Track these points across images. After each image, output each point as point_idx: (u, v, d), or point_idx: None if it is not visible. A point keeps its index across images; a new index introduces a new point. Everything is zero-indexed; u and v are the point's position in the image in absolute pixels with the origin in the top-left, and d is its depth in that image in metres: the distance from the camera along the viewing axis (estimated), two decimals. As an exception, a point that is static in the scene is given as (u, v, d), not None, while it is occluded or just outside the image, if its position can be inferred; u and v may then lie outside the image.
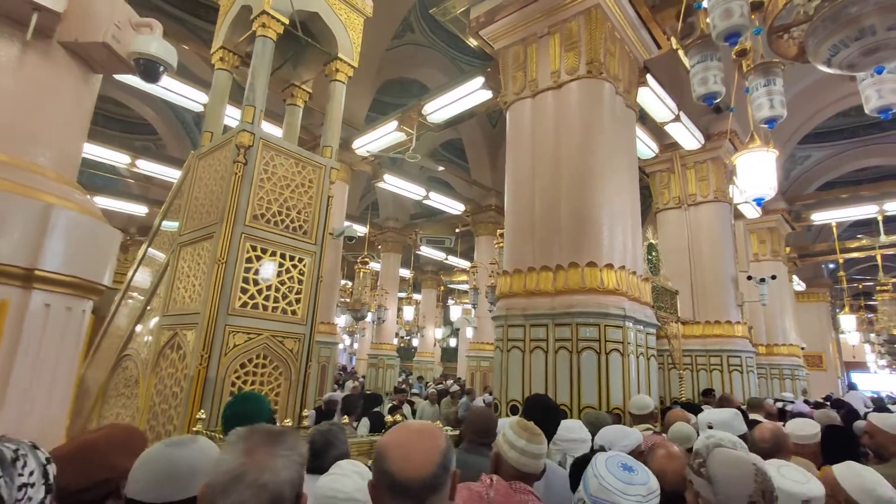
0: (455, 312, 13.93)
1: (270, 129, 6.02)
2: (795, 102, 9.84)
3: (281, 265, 3.69)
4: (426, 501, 0.97)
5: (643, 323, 4.29)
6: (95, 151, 8.73)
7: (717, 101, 2.63)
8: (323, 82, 4.62)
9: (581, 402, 3.86)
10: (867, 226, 13.72)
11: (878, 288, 12.53)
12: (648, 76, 5.85)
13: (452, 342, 18.40)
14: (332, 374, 7.74)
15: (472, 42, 5.92)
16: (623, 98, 5.03)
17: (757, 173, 3.53)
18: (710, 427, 2.57)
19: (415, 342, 16.98)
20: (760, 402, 5.47)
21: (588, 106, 4.63)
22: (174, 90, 6.52)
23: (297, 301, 3.76)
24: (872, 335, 13.44)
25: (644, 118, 7.70)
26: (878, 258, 12.66)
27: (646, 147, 7.84)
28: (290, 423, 3.02)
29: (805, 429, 2.75)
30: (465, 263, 13.93)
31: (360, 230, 11.92)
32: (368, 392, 6.51)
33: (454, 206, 11.23)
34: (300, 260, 3.80)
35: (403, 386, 10.85)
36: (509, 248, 4.82)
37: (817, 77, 9.51)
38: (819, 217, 11.40)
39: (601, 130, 4.58)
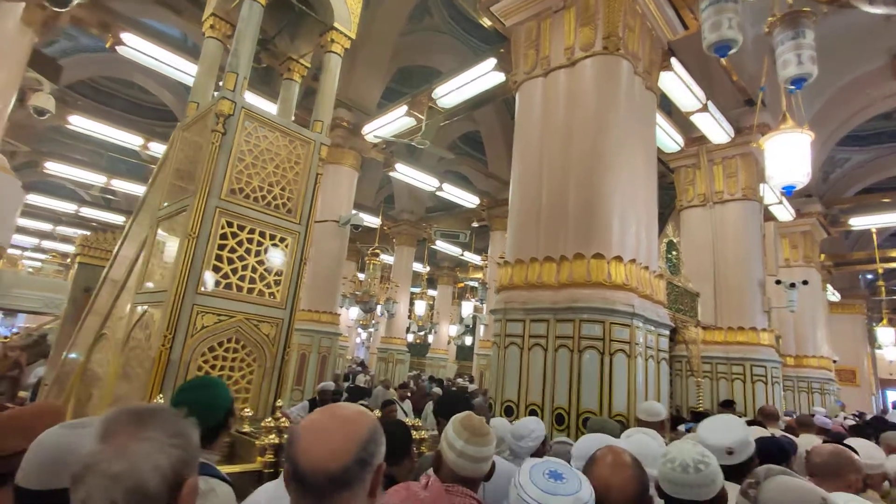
0: (467, 309, 13.60)
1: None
2: (835, 101, 9.22)
3: (260, 244, 3.44)
4: (330, 498, 0.85)
5: (654, 323, 3.90)
6: (108, 132, 8.72)
7: (733, 50, 2.24)
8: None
9: (580, 406, 3.50)
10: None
11: (920, 300, 11.69)
12: (673, 59, 5.43)
13: (468, 340, 18.07)
14: (333, 365, 7.52)
15: (486, 22, 5.59)
16: (643, 79, 4.63)
17: (788, 158, 3.11)
18: (730, 453, 2.04)
19: (430, 339, 16.74)
20: (809, 420, 4.94)
21: (603, 85, 4.25)
22: (178, 67, 6.37)
23: (277, 283, 3.51)
24: (914, 351, 12.57)
25: (670, 110, 7.26)
26: (922, 269, 11.83)
27: (670, 140, 7.39)
28: (248, 412, 2.75)
29: (872, 454, 2.31)
30: (480, 260, 13.59)
31: (374, 221, 11.71)
32: (353, 385, 6.22)
33: (469, 200, 10.90)
34: (282, 240, 3.55)
35: (409, 382, 10.61)
36: (513, 236, 4.48)
37: (857, 74, 8.88)
38: (858, 222, 10.68)
39: (616, 112, 4.20)
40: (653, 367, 3.84)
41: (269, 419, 2.50)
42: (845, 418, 7.57)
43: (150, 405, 0.87)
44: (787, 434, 3.67)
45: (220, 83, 3.59)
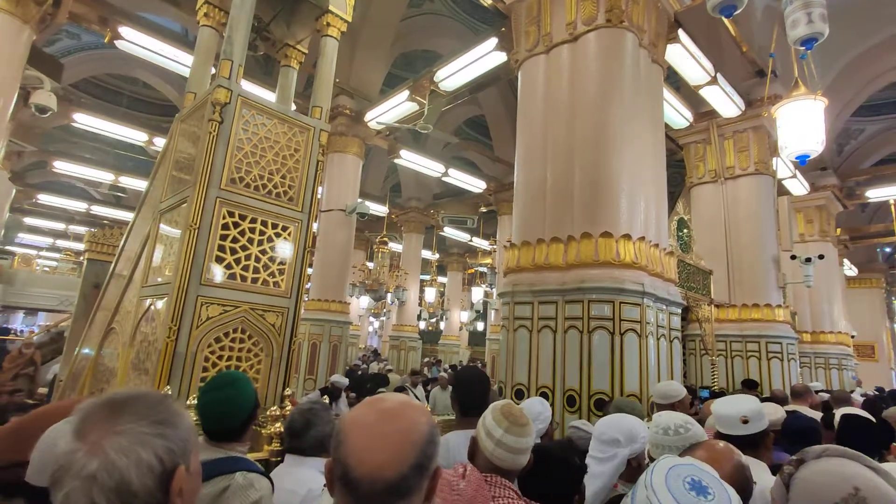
0: (477, 294, 13.56)
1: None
2: (848, 70, 8.95)
3: (262, 233, 3.41)
4: None
5: (665, 301, 3.82)
6: (114, 129, 8.74)
7: (738, 10, 2.13)
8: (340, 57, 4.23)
9: (592, 387, 3.45)
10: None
11: (941, 272, 11.41)
12: (680, 31, 5.25)
13: (480, 326, 18.08)
14: (345, 354, 7.55)
15: (487, 1, 5.46)
16: (648, 51, 4.49)
17: (801, 126, 3.00)
18: (745, 422, 2.04)
19: (442, 326, 16.78)
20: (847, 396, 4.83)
21: (606, 59, 4.13)
22: (178, 59, 6.34)
23: (281, 272, 3.48)
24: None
25: (678, 85, 7.08)
26: (943, 240, 11.53)
27: (678, 115, 7.22)
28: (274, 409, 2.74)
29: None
30: (488, 245, 13.51)
31: (382, 209, 11.68)
32: (374, 373, 6.25)
33: (476, 184, 10.80)
34: (284, 228, 3.52)
35: (423, 369, 10.65)
36: (518, 218, 4.41)
37: (870, 45, 8.59)
38: (875, 194, 10.42)
39: (621, 86, 4.08)
40: (665, 347, 3.77)
41: (275, 408, 2.48)
42: (862, 394, 7.44)
43: (127, 392, 0.79)
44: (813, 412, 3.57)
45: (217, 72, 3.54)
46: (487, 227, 13.14)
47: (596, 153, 3.95)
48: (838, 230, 11.37)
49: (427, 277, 14.83)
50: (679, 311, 4.09)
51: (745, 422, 1.88)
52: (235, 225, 3.28)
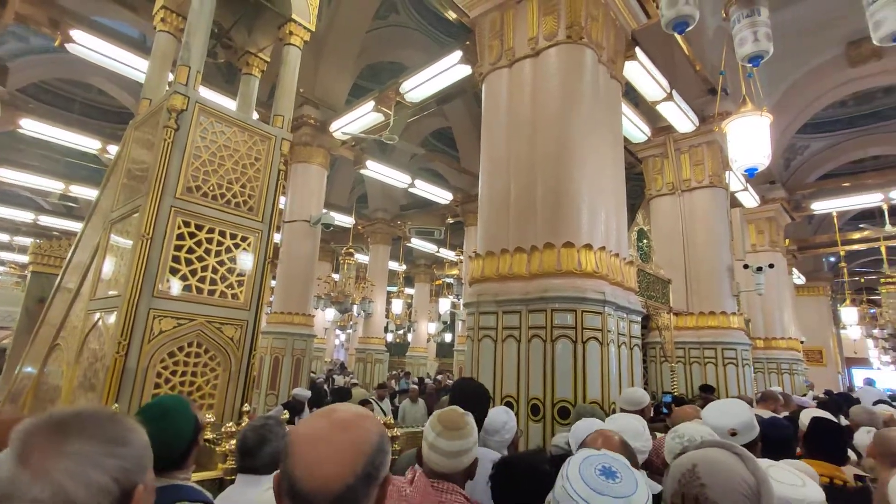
0: (444, 305, 13.55)
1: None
2: (793, 90, 9.49)
3: (220, 244, 3.31)
4: None
5: (626, 310, 3.91)
6: (64, 136, 8.37)
7: (690, 27, 2.23)
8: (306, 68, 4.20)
9: (555, 395, 3.48)
10: (870, 217, 13.34)
11: (882, 280, 12.11)
12: (637, 49, 5.46)
13: (447, 337, 18.04)
14: (309, 368, 7.38)
15: (451, 14, 5.53)
16: (607, 68, 4.64)
17: (749, 141, 3.15)
18: (734, 434, 2.03)
19: (410, 337, 16.65)
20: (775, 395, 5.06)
21: (567, 73, 4.24)
22: (133, 65, 6.15)
23: (240, 284, 3.38)
24: (875, 330, 13.03)
25: (637, 101, 7.33)
26: (883, 250, 12.26)
27: (637, 130, 7.47)
28: (211, 419, 2.63)
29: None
30: (454, 256, 13.55)
31: (348, 220, 11.57)
32: (337, 386, 6.13)
33: (442, 196, 10.85)
34: (243, 239, 3.43)
35: (390, 381, 10.52)
36: (483, 229, 4.44)
37: (813, 65, 9.16)
38: (820, 206, 11.02)
39: (581, 100, 4.19)
40: (626, 354, 3.85)
41: (231, 424, 2.39)
42: (814, 398, 7.78)
43: (73, 410, 0.73)
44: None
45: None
46: (454, 238, 13.18)
47: (558, 165, 4.03)
48: (787, 241, 11.94)
49: (394, 289, 14.73)
50: (639, 319, 4.18)
51: (734, 434, 1.95)
52: (191, 235, 3.18)
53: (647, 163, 7.99)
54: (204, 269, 3.20)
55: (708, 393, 5.60)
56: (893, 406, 5.39)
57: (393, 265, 14.11)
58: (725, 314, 6.74)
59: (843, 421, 4.00)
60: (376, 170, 8.95)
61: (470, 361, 4.06)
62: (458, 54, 5.92)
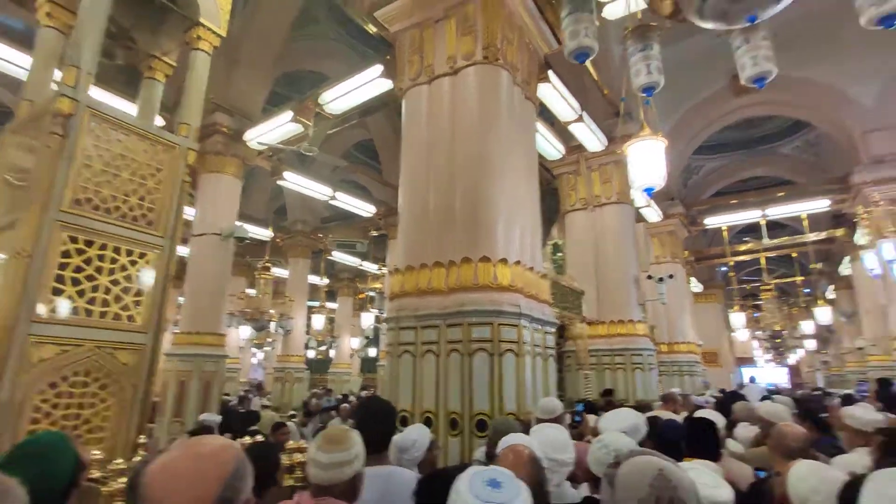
0: (367, 320, 13.34)
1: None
2: (689, 116, 10.46)
3: (114, 261, 3.04)
4: None
5: (540, 321, 4.07)
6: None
7: (590, 57, 2.41)
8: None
9: (473, 409, 3.53)
10: (754, 231, 14.94)
11: (762, 288, 13.57)
12: (550, 72, 5.76)
13: (372, 352, 17.73)
14: (220, 391, 6.92)
15: (372, 28, 5.54)
16: (522, 88, 4.85)
17: (647, 163, 3.43)
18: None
19: (333, 353, 16.17)
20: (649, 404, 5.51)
21: (484, 92, 4.38)
22: (15, 61, 5.53)
23: (137, 304, 3.12)
24: (759, 332, 14.56)
25: (553, 121, 7.73)
26: (763, 260, 13.76)
27: (552, 148, 7.85)
28: (98, 455, 2.38)
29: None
30: (377, 269, 13.41)
31: (265, 233, 11.10)
32: (247, 410, 5.78)
33: (365, 208, 10.74)
34: (141, 255, 3.17)
35: (311, 400, 10.13)
36: (403, 243, 4.44)
37: (705, 94, 10.17)
38: (711, 221, 12.16)
39: (498, 119, 4.34)
40: (540, 364, 3.99)
41: (121, 461, 2.18)
42: (712, 395, 8.51)
43: None
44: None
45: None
46: (378, 251, 13.06)
47: (475, 181, 4.13)
48: (686, 252, 13.04)
49: (316, 304, 14.28)
50: (553, 330, 4.36)
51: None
52: (80, 252, 2.89)
53: (562, 179, 8.41)
54: (94, 289, 2.92)
55: (609, 396, 5.97)
56: (773, 400, 6.02)
57: (314, 279, 13.69)
58: (633, 322, 7.22)
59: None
60: (295, 181, 8.69)
61: (389, 378, 4.02)
62: (378, 68, 5.92)
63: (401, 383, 3.91)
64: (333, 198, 9.33)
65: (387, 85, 6.09)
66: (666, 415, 3.76)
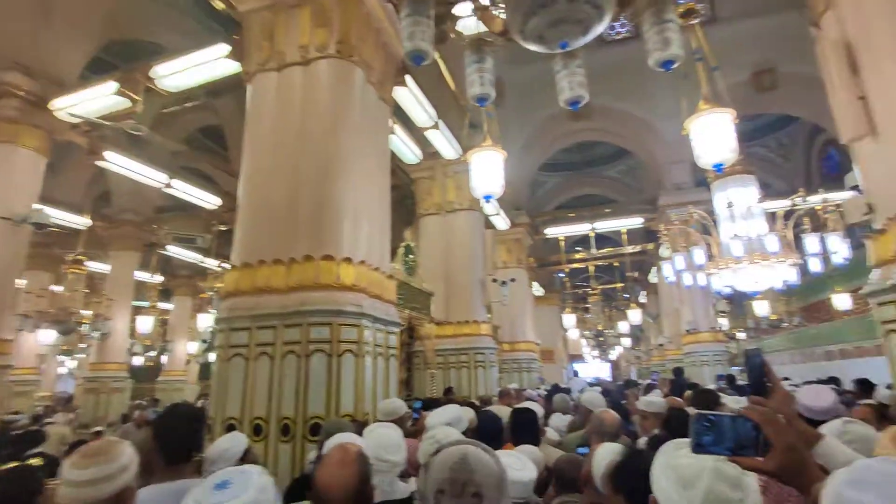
0: (204, 321, 12.16)
1: None
2: (536, 134, 11.46)
3: None
4: None
5: (384, 321, 4.08)
6: None
7: (426, 62, 2.49)
8: None
9: (307, 413, 3.39)
10: (584, 242, 16.91)
11: (590, 292, 15.40)
12: (408, 77, 5.84)
13: (213, 357, 16.17)
14: (2, 408, 5.70)
15: (219, 4, 5.07)
16: (376, 88, 4.83)
17: (487, 172, 3.65)
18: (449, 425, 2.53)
19: (165, 359, 14.38)
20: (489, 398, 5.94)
21: (337, 88, 4.28)
22: None
23: None
24: (586, 331, 16.51)
25: (412, 125, 7.85)
26: (591, 268, 15.63)
27: (410, 152, 7.98)
28: None
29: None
30: (217, 266, 12.33)
31: (81, 222, 9.50)
32: (21, 431, 4.78)
33: (209, 200, 9.77)
34: None
35: (133, 413, 8.89)
36: (241, 239, 4.12)
37: (548, 115, 11.24)
38: (551, 231, 13.47)
39: (350, 116, 4.27)
40: (382, 365, 4.00)
41: None
42: (546, 390, 9.38)
43: None
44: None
45: None
46: (223, 247, 11.98)
47: (323, 177, 4.01)
48: (530, 259, 14.25)
49: (146, 304, 12.60)
50: (397, 330, 4.41)
51: (449, 425, 2.42)
52: None
53: (419, 183, 8.60)
54: None
55: (450, 395, 6.28)
56: (593, 389, 6.84)
57: (145, 276, 12.09)
58: (477, 322, 7.65)
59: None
60: (119, 163, 7.55)
61: (217, 383, 3.69)
62: (224, 47, 5.43)
63: (230, 389, 3.61)
64: (169, 185, 8.33)
65: (234, 67, 5.62)
66: (503, 408, 4.06)
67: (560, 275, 17.59)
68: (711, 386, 7.28)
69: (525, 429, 2.75)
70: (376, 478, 2.21)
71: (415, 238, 7.18)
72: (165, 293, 15.26)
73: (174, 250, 11.95)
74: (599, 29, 2.11)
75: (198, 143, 11.81)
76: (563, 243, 14.31)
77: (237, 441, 2.03)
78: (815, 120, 10.65)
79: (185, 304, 15.06)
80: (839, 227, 6.49)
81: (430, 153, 8.25)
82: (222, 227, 11.13)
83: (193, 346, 14.53)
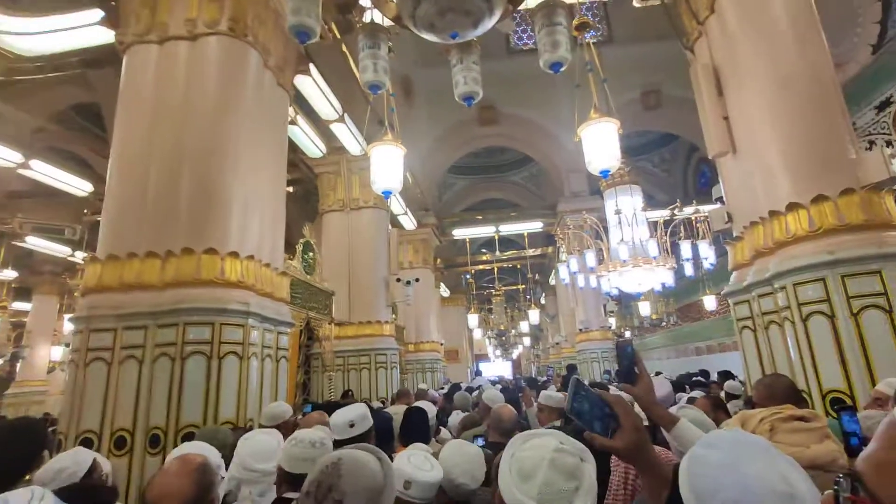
0: (70, 325, 10.76)
1: None
2: (446, 136, 11.56)
3: None
4: None
5: (273, 321, 3.82)
6: None
7: (313, 39, 2.34)
8: None
9: (181, 422, 3.07)
10: (490, 245, 17.41)
11: (494, 294, 15.87)
12: (312, 66, 5.59)
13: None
14: None
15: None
16: (274, 75, 4.55)
17: (386, 167, 3.56)
18: (352, 426, 2.43)
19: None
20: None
21: (227, 69, 3.96)
22: None
23: None
24: (490, 331, 16.99)
25: (317, 119, 7.53)
26: (495, 270, 16.11)
27: (314, 145, 7.66)
28: None
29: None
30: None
31: None
32: None
33: (79, 186, 8.67)
34: None
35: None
36: (109, 228, 3.66)
37: (459, 119, 11.41)
38: (458, 233, 13.68)
39: (242, 100, 3.97)
40: (271, 367, 3.75)
41: None
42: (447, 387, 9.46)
43: None
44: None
45: None
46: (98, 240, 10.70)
47: (209, 163, 3.68)
48: (437, 260, 14.37)
49: None
50: (288, 330, 4.16)
51: (352, 425, 2.35)
52: None
53: (322, 178, 8.29)
54: None
55: (348, 398, 6.11)
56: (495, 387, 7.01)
57: (-4, 271, 10.42)
58: (380, 322, 7.51)
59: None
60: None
61: (71, 392, 3.21)
62: (97, 13, 4.81)
63: (87, 398, 3.17)
64: (26, 166, 7.24)
65: (110, 36, 5.01)
66: (401, 408, 3.99)
67: (466, 276, 17.95)
68: (598, 380, 7.79)
69: (415, 429, 2.72)
70: (246, 488, 2.04)
71: (316, 235, 6.88)
72: (22, 291, 13.32)
73: (35, 242, 10.43)
74: (489, 24, 2.13)
75: (71, 121, 10.44)
76: (469, 245, 14.59)
77: (78, 458, 1.75)
78: (692, 139, 11.83)
79: (50, 304, 13.23)
80: (708, 235, 7.23)
81: (336, 147, 7.99)
82: (96, 217, 9.92)
83: (59, 352, 12.79)
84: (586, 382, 1.17)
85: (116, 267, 3.42)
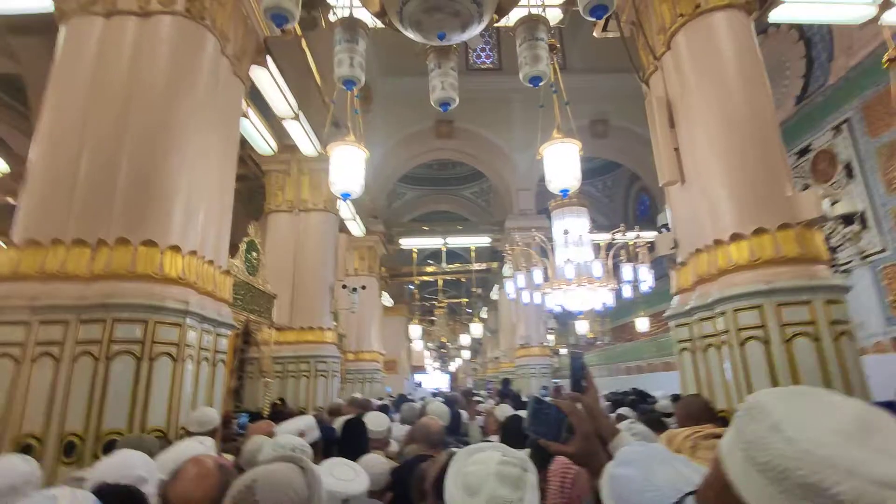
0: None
1: None
2: (400, 145, 11.52)
3: None
4: None
5: (214, 322, 3.58)
6: None
7: (291, 24, 2.25)
8: None
9: (102, 428, 2.78)
10: (436, 257, 17.44)
11: (437, 305, 15.85)
12: (269, 59, 5.38)
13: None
14: None
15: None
16: (231, 63, 4.33)
17: (347, 168, 3.47)
18: (302, 435, 2.47)
19: None
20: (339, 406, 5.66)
21: (181, 51, 3.72)
22: None
23: None
24: (430, 343, 16.93)
25: (269, 115, 7.25)
26: (440, 282, 16.13)
27: (264, 143, 7.37)
28: None
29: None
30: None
31: None
32: None
33: (-7, 163, 7.85)
34: None
35: None
36: (28, 208, 3.29)
37: (416, 129, 11.42)
38: (405, 243, 13.61)
39: (195, 85, 3.74)
40: (207, 371, 3.49)
41: None
42: (390, 398, 9.28)
43: None
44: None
45: None
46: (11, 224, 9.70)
47: (152, 148, 3.42)
48: (382, 268, 14.18)
49: None
50: (229, 332, 3.91)
51: (302, 435, 2.40)
52: None
53: (270, 177, 7.99)
54: None
55: (283, 407, 5.87)
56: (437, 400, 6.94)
57: None
58: (322, 329, 7.26)
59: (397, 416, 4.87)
60: None
61: (-32, 393, 2.84)
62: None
63: (-11, 399, 2.81)
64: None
65: (45, 4, 4.59)
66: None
67: (410, 286, 17.84)
68: (535, 394, 7.91)
69: (354, 439, 2.70)
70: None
71: (261, 235, 6.58)
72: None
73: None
74: (477, 29, 2.13)
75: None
76: (415, 255, 14.53)
77: (16, 471, 1.52)
78: (634, 168, 12.47)
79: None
80: (647, 259, 7.59)
81: (287, 146, 7.73)
82: (10, 200, 9.00)
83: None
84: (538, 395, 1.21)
85: (38, 254, 3.08)
